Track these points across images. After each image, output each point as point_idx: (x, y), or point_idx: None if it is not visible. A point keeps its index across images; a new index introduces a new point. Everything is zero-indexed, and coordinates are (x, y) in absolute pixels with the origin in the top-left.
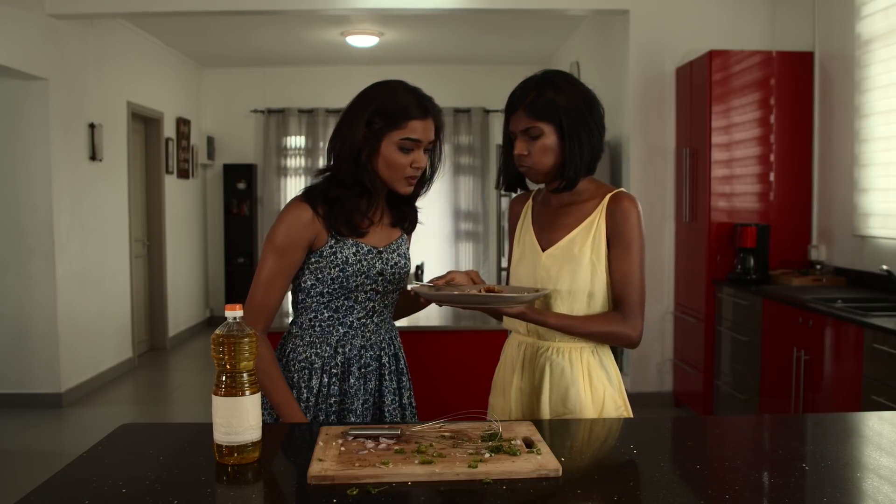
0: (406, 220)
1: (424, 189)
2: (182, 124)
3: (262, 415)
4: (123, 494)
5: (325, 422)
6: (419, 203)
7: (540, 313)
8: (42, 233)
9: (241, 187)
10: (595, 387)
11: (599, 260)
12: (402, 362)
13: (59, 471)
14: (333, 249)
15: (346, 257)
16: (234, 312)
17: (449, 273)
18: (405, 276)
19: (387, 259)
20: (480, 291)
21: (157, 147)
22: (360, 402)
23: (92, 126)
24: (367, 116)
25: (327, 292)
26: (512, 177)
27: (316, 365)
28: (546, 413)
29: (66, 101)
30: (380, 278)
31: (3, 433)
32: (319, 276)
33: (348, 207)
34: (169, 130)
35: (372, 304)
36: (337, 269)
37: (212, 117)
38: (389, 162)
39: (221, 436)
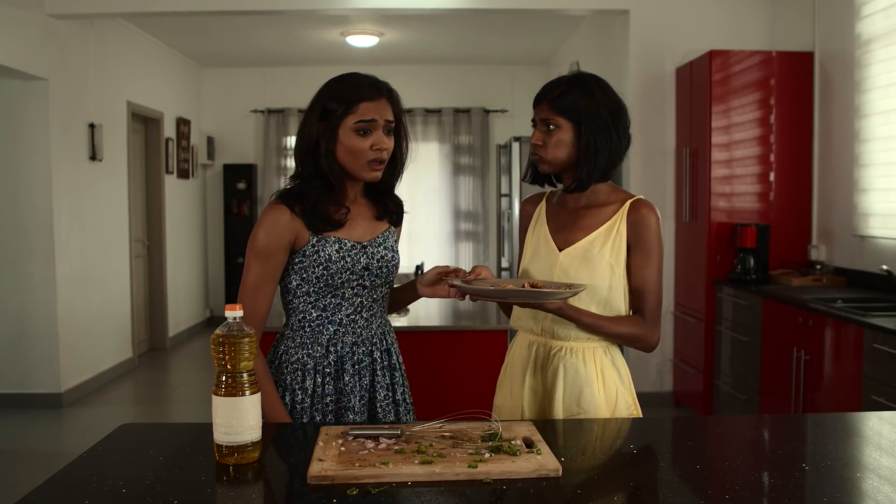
0: (392, 212)
1: (397, 177)
2: (182, 124)
3: None
4: (123, 494)
5: (322, 422)
6: (416, 199)
7: (576, 310)
8: (42, 233)
9: (241, 187)
10: (608, 386)
11: (618, 263)
12: (396, 357)
13: (59, 471)
14: (316, 248)
15: (330, 254)
16: (234, 312)
17: (476, 268)
18: (393, 269)
19: (372, 253)
20: (525, 286)
21: (157, 147)
22: (357, 398)
23: (92, 126)
24: (321, 108)
25: (313, 291)
26: (538, 171)
27: (308, 366)
28: (559, 413)
29: (66, 101)
30: (365, 273)
31: (3, 433)
32: (304, 275)
33: (316, 199)
34: (169, 130)
35: (360, 299)
36: (321, 266)
37: (212, 117)
38: (350, 148)
39: (221, 436)
